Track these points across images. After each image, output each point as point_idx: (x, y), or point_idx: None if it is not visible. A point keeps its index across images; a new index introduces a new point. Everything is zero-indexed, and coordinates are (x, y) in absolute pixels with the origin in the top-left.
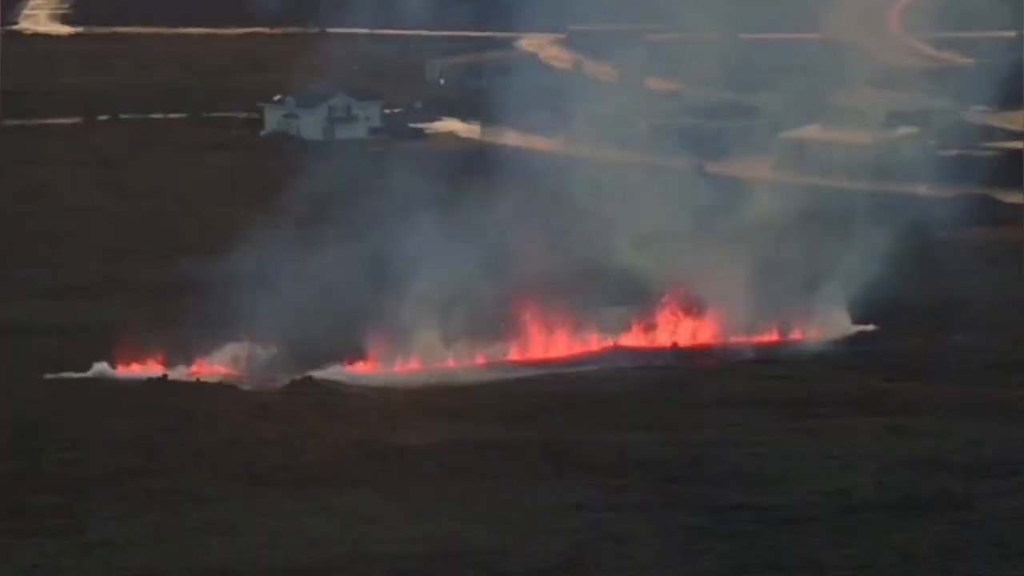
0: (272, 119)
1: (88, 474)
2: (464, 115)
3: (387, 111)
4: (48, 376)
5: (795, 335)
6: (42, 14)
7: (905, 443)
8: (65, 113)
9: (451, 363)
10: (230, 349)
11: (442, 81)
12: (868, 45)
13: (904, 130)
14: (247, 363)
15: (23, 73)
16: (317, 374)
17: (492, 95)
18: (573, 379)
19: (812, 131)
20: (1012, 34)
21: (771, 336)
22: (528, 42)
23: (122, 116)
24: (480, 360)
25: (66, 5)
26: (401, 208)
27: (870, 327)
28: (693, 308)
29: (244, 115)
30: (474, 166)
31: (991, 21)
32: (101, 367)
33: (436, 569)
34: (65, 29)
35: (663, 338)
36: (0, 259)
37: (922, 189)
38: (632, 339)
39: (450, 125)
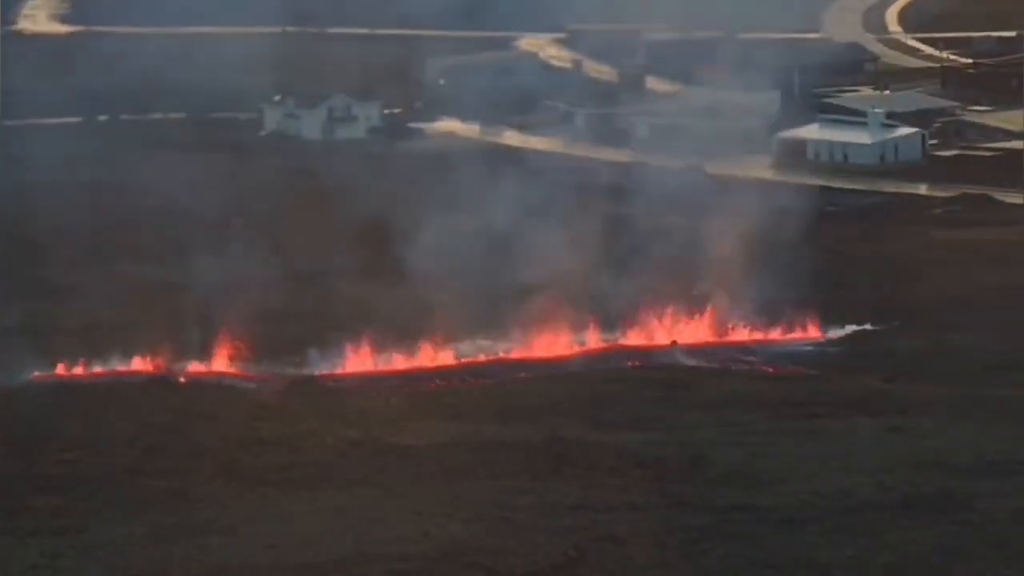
0: (272, 119)
1: (88, 474)
2: (464, 115)
3: (387, 111)
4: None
5: (796, 334)
6: (42, 14)
7: (905, 443)
8: (65, 113)
9: (451, 361)
10: None
11: (442, 81)
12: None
13: (904, 130)
14: None
15: (23, 73)
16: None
17: (492, 95)
18: (573, 379)
19: (812, 131)
20: (1012, 34)
21: (771, 336)
22: (528, 42)
23: (122, 116)
24: (480, 359)
25: (66, 5)
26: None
27: (870, 327)
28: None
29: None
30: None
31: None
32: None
33: (436, 569)
34: (65, 29)
35: (663, 338)
36: (0, 259)
37: (922, 189)
38: (632, 339)
39: (450, 125)
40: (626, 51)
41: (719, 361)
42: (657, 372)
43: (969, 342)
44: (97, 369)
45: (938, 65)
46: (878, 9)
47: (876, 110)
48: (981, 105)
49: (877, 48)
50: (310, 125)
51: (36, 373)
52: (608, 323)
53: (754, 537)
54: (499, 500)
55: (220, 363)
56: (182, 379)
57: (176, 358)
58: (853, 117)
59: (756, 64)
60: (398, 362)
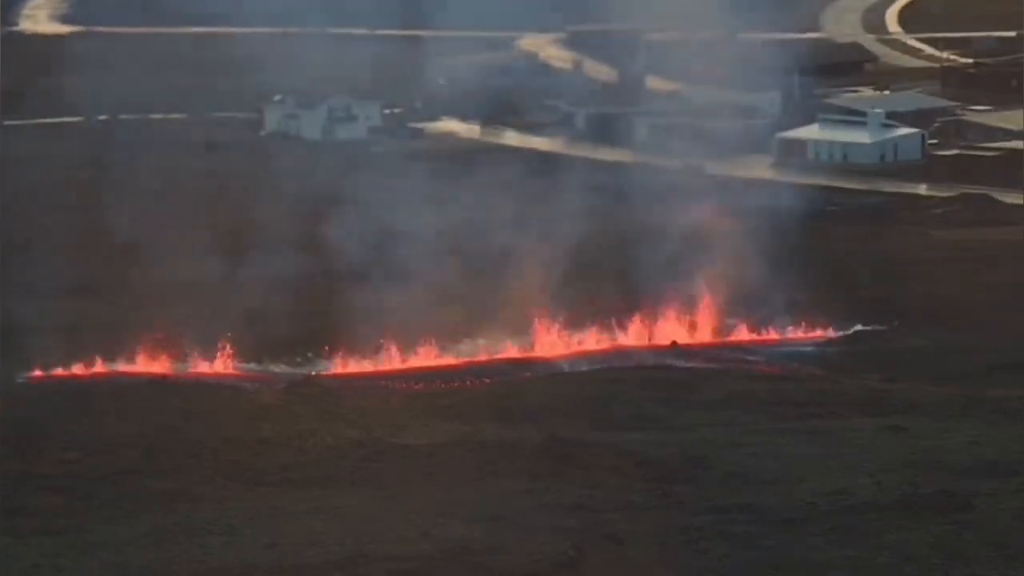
0: (272, 119)
1: (88, 474)
2: (464, 115)
3: (387, 111)
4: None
5: (796, 334)
6: (42, 14)
7: (905, 443)
8: (65, 113)
9: (451, 361)
10: None
11: (442, 81)
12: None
13: (904, 130)
14: None
15: (23, 73)
16: (317, 373)
17: (492, 95)
18: (573, 379)
19: (812, 131)
20: (1012, 34)
21: (771, 336)
22: (528, 42)
23: (122, 116)
24: (480, 359)
25: (66, 5)
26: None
27: (870, 327)
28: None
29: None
30: None
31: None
32: None
33: (436, 569)
34: (65, 29)
35: (663, 337)
36: (0, 259)
37: (922, 189)
38: (632, 339)
39: (450, 125)
40: (626, 51)
41: (719, 361)
42: (657, 372)
43: (969, 342)
44: (97, 369)
45: (938, 65)
46: (878, 9)
47: (876, 110)
48: (981, 105)
49: (877, 48)
50: (310, 125)
51: (36, 373)
52: (608, 323)
53: (754, 537)
54: (499, 500)
55: (220, 363)
56: (182, 379)
57: (177, 358)
58: (853, 117)
59: (756, 64)
60: (398, 362)
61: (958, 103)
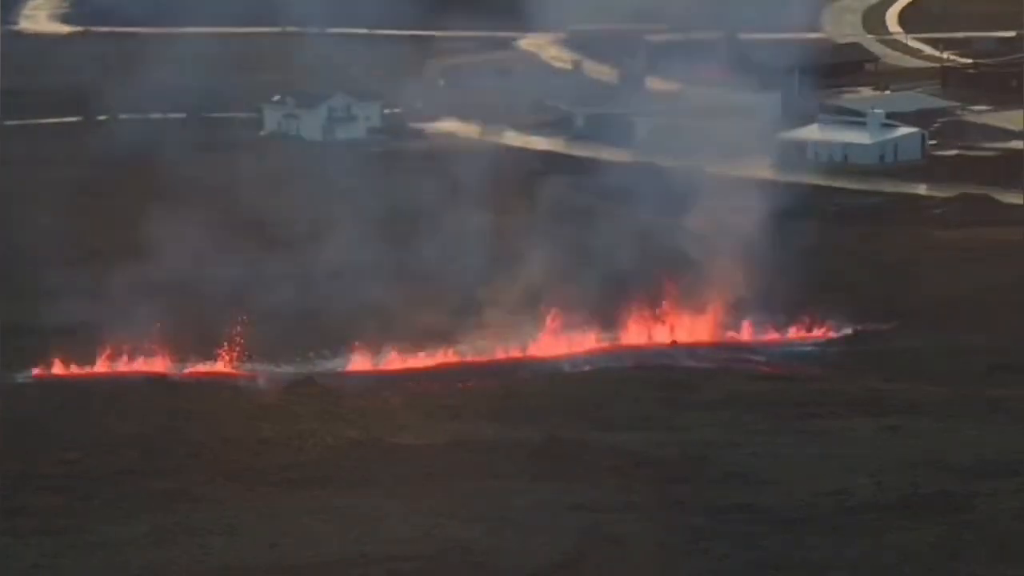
0: (272, 119)
1: (88, 474)
2: (464, 115)
3: (387, 111)
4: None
5: (796, 334)
6: (42, 14)
7: (905, 443)
8: (65, 113)
9: (451, 361)
10: None
11: (442, 81)
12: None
13: (904, 130)
14: None
15: (23, 73)
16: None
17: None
18: (573, 379)
19: (812, 131)
20: (1012, 34)
21: (771, 336)
22: (528, 42)
23: (122, 116)
24: (480, 359)
25: (66, 5)
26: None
27: (870, 327)
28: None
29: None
30: None
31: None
32: None
33: (436, 569)
34: (65, 29)
35: (663, 337)
36: (0, 259)
37: (922, 189)
38: (632, 338)
39: (450, 125)
40: (626, 51)
41: (719, 361)
42: (657, 372)
43: (969, 342)
44: (97, 369)
45: (938, 65)
46: (878, 9)
47: (876, 110)
48: (981, 105)
49: (877, 48)
50: (310, 125)
51: (36, 373)
52: (608, 323)
53: (754, 537)
54: (499, 500)
55: (220, 363)
56: (182, 379)
57: (177, 358)
58: (853, 117)
59: (756, 64)
60: (398, 362)
61: (958, 103)
